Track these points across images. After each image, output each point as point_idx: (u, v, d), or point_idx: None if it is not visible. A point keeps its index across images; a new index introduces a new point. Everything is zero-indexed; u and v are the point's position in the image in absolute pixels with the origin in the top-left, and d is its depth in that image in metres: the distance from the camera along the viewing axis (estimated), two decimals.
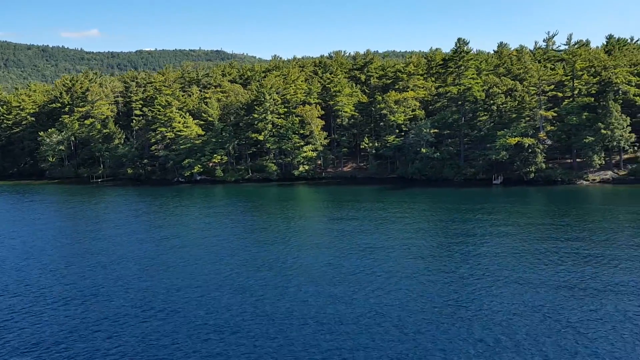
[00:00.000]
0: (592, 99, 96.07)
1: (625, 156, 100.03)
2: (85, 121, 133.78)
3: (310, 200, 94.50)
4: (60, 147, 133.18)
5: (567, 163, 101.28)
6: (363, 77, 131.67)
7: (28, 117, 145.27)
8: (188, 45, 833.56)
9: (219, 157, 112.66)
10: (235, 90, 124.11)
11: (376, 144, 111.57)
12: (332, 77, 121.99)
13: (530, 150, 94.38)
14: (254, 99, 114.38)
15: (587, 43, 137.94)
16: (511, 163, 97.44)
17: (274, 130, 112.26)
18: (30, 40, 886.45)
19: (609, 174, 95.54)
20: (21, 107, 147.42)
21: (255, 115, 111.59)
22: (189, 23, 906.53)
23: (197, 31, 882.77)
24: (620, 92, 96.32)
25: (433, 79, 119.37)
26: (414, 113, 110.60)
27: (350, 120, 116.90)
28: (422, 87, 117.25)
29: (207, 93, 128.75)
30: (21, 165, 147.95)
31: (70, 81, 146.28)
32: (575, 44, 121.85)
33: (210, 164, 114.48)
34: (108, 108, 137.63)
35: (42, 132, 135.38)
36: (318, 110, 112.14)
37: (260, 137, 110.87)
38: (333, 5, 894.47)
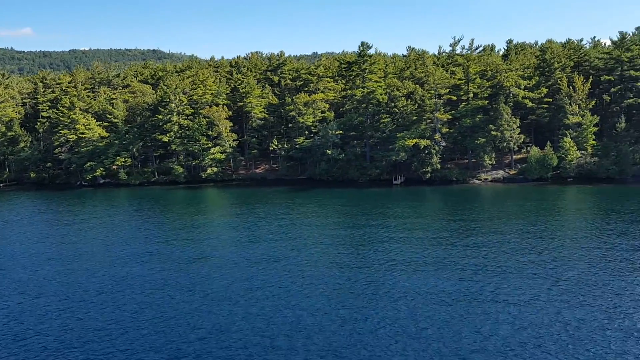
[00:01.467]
0: (486, 102, 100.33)
1: (518, 156, 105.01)
2: None
3: (213, 204, 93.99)
4: None
5: (463, 163, 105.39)
6: (276, 79, 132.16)
7: None
8: (124, 44, 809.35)
9: (123, 160, 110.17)
10: (143, 90, 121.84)
11: (285, 146, 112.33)
12: (243, 78, 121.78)
13: (426, 151, 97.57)
14: (159, 100, 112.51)
15: (492, 47, 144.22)
16: (411, 164, 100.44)
17: (180, 131, 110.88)
18: None
19: (500, 174, 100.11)
20: None
21: (160, 117, 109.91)
22: (125, 22, 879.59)
23: (133, 30, 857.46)
24: (511, 95, 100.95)
25: (344, 81, 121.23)
26: (323, 115, 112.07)
27: (261, 121, 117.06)
28: (332, 90, 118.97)
29: (114, 94, 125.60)
30: None
31: None
32: (477, 48, 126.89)
33: (114, 167, 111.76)
34: (13, 110, 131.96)
35: None
36: (225, 112, 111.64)
37: (165, 139, 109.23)
38: (275, 4, 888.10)
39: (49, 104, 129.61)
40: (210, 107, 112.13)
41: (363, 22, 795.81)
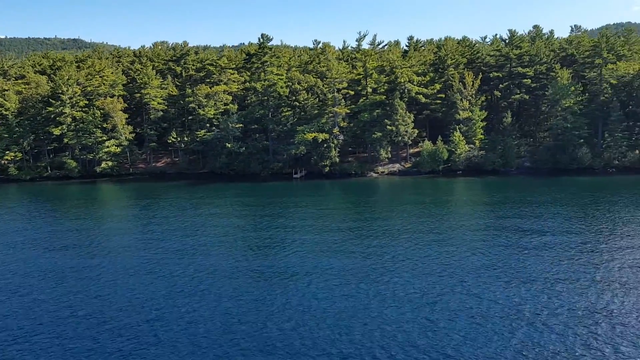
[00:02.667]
0: (384, 97, 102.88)
1: (415, 150, 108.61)
2: None
3: (102, 201, 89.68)
4: None
5: (363, 157, 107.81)
6: (179, 70, 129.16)
7: None
8: (43, 33, 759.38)
9: (13, 154, 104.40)
10: (37, 81, 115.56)
11: (186, 139, 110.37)
12: (142, 68, 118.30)
13: (325, 145, 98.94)
14: (52, 92, 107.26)
15: (397, 43, 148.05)
16: (311, 157, 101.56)
17: (74, 124, 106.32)
18: None
19: (396, 167, 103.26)
20: None
21: (51, 109, 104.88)
22: (45, 9, 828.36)
23: (53, 18, 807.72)
24: (406, 90, 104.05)
25: (249, 73, 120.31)
26: (225, 107, 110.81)
27: (160, 113, 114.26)
28: (236, 82, 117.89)
29: (6, 85, 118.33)
30: None
31: None
32: (380, 44, 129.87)
33: (4, 162, 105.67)
34: None
35: None
36: (121, 103, 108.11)
37: (57, 132, 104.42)
38: None
39: None
40: (105, 98, 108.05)
41: (274, 14, 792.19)
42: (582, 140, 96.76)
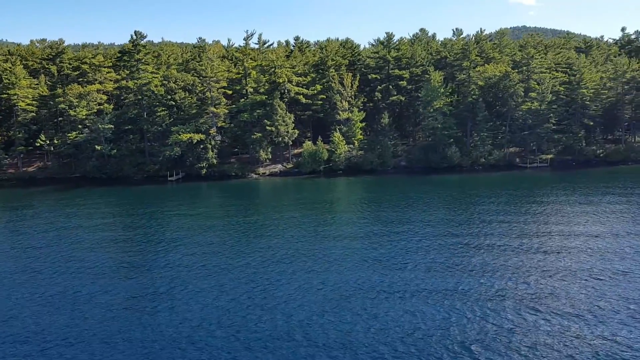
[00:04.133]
0: (264, 97, 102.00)
1: (298, 150, 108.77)
2: None
3: None
4: None
5: (245, 158, 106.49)
6: (54, 69, 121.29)
7: None
8: None
9: None
10: None
11: (55, 141, 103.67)
12: (10, 67, 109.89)
13: (202, 146, 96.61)
14: None
15: (287, 43, 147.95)
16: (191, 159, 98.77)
17: None
18: None
19: (278, 168, 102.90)
20: None
21: None
22: None
23: None
24: (286, 91, 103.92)
25: (127, 72, 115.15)
26: (99, 107, 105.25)
27: (29, 115, 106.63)
28: (112, 80, 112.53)
29: None
30: None
31: None
32: (265, 43, 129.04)
33: None
34: None
35: None
36: None
37: None
38: None
39: None
40: None
41: (162, 9, 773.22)
42: (452, 140, 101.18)
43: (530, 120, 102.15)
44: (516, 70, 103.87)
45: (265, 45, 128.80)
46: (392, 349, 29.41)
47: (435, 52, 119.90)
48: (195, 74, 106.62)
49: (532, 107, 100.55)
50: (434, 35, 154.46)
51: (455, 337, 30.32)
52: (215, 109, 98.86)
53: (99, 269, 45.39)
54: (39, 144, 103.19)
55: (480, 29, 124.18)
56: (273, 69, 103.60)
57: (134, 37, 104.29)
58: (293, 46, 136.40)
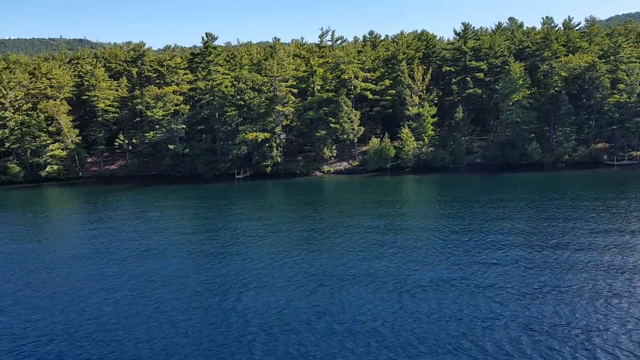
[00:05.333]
0: (331, 94, 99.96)
1: (365, 147, 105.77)
2: None
3: (33, 205, 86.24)
4: None
5: (311, 156, 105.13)
6: (135, 71, 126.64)
7: None
8: (49, 33, 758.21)
9: None
10: None
11: (134, 141, 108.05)
12: (91, 69, 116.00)
13: (267, 145, 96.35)
14: None
15: (356, 40, 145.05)
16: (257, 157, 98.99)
17: (16, 128, 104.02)
18: None
19: (343, 165, 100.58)
20: None
21: None
22: (51, 10, 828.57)
23: (58, 18, 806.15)
24: (353, 87, 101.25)
25: (204, 73, 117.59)
26: (176, 108, 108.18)
27: (109, 115, 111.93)
28: (188, 82, 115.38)
29: None
30: None
31: None
32: (338, 40, 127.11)
33: None
34: None
35: None
36: (64, 105, 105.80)
37: None
38: None
39: None
40: (47, 101, 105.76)
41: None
42: (532, 135, 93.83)
43: (617, 114, 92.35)
44: (603, 61, 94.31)
45: (339, 42, 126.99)
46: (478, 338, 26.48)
47: (518, 41, 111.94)
48: (264, 74, 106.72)
49: (621, 100, 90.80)
50: (521, 24, 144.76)
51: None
52: (281, 108, 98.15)
53: (176, 261, 48.92)
54: (117, 143, 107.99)
55: (569, 16, 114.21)
56: (340, 66, 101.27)
57: (205, 39, 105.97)
58: (364, 41, 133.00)
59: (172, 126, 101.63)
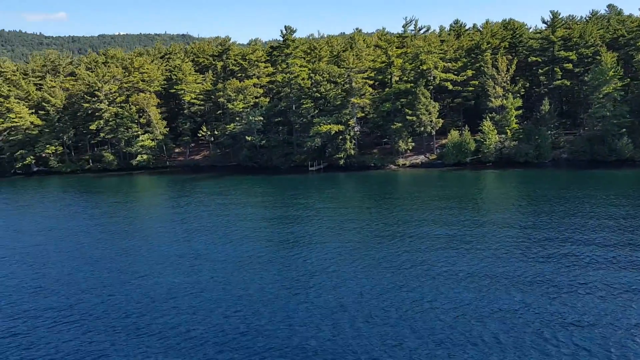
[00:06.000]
0: (409, 85, 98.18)
1: (445, 140, 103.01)
2: None
3: (127, 191, 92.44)
4: None
5: (387, 149, 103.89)
6: (220, 64, 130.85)
7: None
8: (154, 29, 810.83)
9: (54, 148, 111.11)
10: (84, 78, 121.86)
11: (216, 132, 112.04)
12: (179, 64, 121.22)
13: (340, 137, 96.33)
14: (88, 88, 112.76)
15: (442, 29, 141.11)
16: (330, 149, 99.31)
17: (111, 119, 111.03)
18: None
19: (420, 159, 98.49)
20: None
21: (87, 105, 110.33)
22: (156, 6, 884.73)
23: (164, 14, 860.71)
24: (432, 78, 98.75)
25: (284, 65, 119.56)
26: (256, 100, 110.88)
27: (194, 107, 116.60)
28: (269, 75, 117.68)
29: (54, 82, 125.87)
30: None
31: None
32: (421, 29, 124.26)
33: (44, 155, 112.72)
34: None
35: None
36: (153, 98, 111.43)
37: (93, 127, 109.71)
38: None
39: None
40: (138, 94, 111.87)
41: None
42: (624, 130, 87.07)
43: None
44: None
45: (422, 32, 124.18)
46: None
47: (612, 30, 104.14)
48: (341, 66, 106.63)
49: None
50: (619, 12, 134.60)
51: None
52: (356, 100, 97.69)
53: (254, 246, 50.94)
54: (200, 135, 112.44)
55: None
56: (417, 56, 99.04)
57: (285, 32, 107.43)
58: (451, 30, 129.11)
59: (250, 118, 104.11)
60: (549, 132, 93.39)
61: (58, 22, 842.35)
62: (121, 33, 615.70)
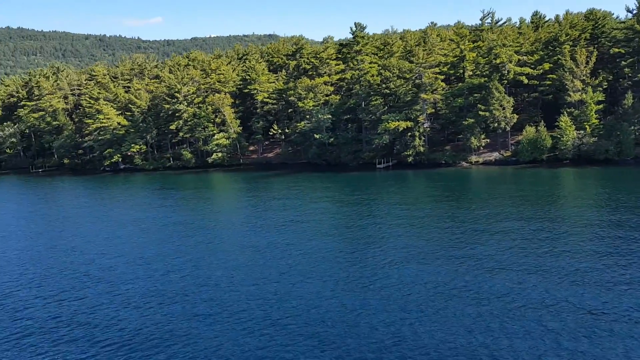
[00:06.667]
0: (483, 79, 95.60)
1: (520, 137, 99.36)
2: (33, 114, 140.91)
3: (204, 188, 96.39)
4: (12, 139, 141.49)
5: (459, 146, 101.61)
6: (293, 64, 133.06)
7: None
8: (242, 30, 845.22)
9: (138, 147, 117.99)
10: (166, 80, 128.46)
11: (287, 130, 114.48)
12: (254, 64, 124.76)
13: (409, 134, 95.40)
14: (168, 90, 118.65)
15: (522, 21, 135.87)
16: (398, 147, 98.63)
17: (189, 119, 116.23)
18: (91, 30, 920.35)
19: (493, 156, 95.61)
20: None
21: (167, 106, 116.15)
22: (243, 8, 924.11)
23: (250, 15, 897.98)
24: (507, 72, 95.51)
25: (355, 62, 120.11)
26: (327, 98, 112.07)
27: (267, 106, 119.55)
28: (339, 73, 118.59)
29: (139, 85, 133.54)
30: None
31: (27, 76, 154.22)
32: (498, 22, 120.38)
33: (129, 153, 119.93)
34: (59, 101, 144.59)
35: None
36: (228, 99, 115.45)
37: (173, 127, 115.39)
38: None
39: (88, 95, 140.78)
40: (214, 94, 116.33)
41: None
42: None
43: None
44: None
45: (498, 25, 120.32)
46: None
47: None
48: (411, 61, 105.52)
49: None
50: None
51: None
52: (425, 96, 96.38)
53: (325, 243, 51.02)
54: (271, 133, 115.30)
55: None
56: (491, 49, 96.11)
57: (354, 28, 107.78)
58: (532, 22, 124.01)
59: (319, 116, 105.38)
60: (632, 127, 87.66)
61: (154, 26, 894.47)
62: (212, 35, 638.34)
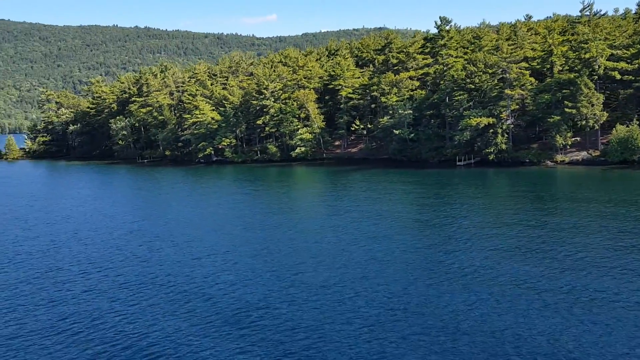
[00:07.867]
0: (572, 75, 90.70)
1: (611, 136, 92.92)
2: (142, 109, 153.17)
3: (288, 181, 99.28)
4: (124, 132, 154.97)
5: (546, 144, 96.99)
6: (380, 59, 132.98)
7: (111, 105, 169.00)
8: (352, 24, 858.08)
9: (228, 141, 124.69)
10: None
11: (369, 126, 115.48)
12: (339, 61, 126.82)
13: (491, 130, 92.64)
14: (256, 87, 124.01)
15: (627, 12, 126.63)
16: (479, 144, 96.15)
17: (276, 114, 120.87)
18: (211, 29, 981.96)
19: (581, 155, 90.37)
20: (102, 97, 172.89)
21: (255, 102, 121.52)
22: (354, 1, 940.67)
23: (361, 9, 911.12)
24: (598, 67, 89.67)
25: (439, 56, 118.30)
26: (411, 93, 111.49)
27: (354, 102, 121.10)
28: (420, 67, 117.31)
29: (233, 82, 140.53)
30: (102, 147, 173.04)
31: (138, 74, 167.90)
32: (597, 13, 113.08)
33: (220, 146, 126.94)
34: (164, 97, 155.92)
35: (112, 119, 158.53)
36: (312, 94, 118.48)
37: (260, 122, 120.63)
38: None
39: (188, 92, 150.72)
40: (299, 90, 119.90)
41: None
42: None
43: None
44: None
45: (597, 16, 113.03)
46: None
47: None
48: (497, 55, 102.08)
49: None
50: None
51: None
52: (509, 91, 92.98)
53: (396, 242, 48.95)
54: (353, 128, 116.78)
55: None
56: (581, 43, 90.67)
57: (439, 22, 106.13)
58: (635, 14, 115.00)
59: (400, 111, 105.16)
60: None
61: (269, 23, 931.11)
62: (322, 30, 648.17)
